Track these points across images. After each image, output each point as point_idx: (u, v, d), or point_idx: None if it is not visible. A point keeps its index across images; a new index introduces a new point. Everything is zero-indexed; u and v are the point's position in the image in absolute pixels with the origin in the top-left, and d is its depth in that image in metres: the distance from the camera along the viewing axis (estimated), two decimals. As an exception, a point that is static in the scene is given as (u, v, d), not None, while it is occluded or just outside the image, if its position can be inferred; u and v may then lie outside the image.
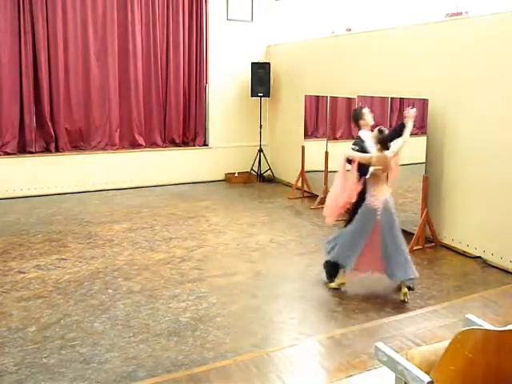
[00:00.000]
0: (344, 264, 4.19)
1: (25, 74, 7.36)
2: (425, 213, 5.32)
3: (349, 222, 4.36)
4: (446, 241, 5.40)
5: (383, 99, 6.00)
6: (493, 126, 4.78)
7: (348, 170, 4.27)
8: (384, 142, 4.07)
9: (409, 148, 4.32)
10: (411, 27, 5.80)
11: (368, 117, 4.42)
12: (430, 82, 5.42)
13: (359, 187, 4.19)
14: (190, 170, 8.57)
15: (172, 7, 8.25)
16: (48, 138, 7.70)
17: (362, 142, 4.34)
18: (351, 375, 2.88)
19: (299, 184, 7.69)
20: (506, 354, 1.73)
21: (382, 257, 4.11)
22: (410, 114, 4.19)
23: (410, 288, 4.20)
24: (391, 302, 4.07)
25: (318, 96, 7.44)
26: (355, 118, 4.53)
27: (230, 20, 8.61)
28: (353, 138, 6.55)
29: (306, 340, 3.37)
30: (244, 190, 8.20)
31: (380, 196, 4.11)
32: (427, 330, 3.39)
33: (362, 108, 4.57)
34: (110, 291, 4.24)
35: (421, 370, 1.80)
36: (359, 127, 4.46)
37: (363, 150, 4.21)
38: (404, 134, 4.14)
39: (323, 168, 7.11)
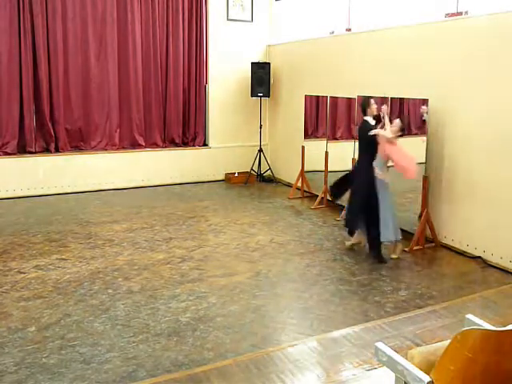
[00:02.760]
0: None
1: (25, 74, 7.36)
2: (425, 213, 5.32)
3: None
4: (446, 241, 5.40)
5: (383, 99, 5.99)
6: (493, 126, 4.78)
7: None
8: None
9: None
10: (411, 27, 5.80)
11: (373, 106, 5.15)
12: (430, 82, 5.42)
13: None
14: (190, 170, 8.57)
15: (172, 7, 8.26)
16: (48, 138, 7.70)
17: (371, 125, 5.04)
18: (351, 375, 2.88)
19: (299, 184, 7.69)
20: (505, 353, 1.73)
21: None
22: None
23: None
24: (391, 302, 4.07)
25: (318, 96, 7.44)
26: (364, 105, 5.19)
27: (229, 20, 8.61)
28: (352, 137, 6.59)
29: (306, 340, 3.37)
30: (244, 190, 8.20)
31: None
32: (427, 329, 3.39)
33: (369, 98, 5.24)
34: (109, 291, 4.24)
35: (421, 370, 1.81)
36: (365, 114, 5.13)
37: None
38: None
39: (323, 168, 7.10)
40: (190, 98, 8.62)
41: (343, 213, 5.76)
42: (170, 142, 8.62)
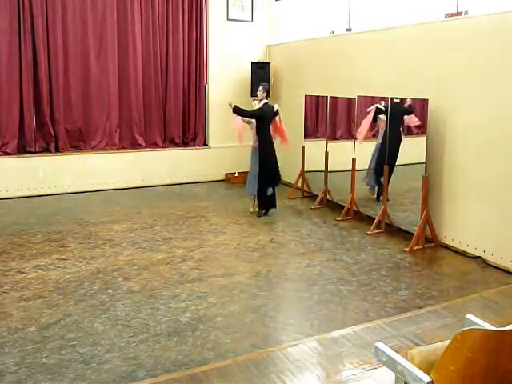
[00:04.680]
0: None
1: (25, 74, 7.36)
2: (425, 213, 5.32)
3: None
4: (446, 241, 5.40)
5: (383, 99, 6.00)
6: (493, 127, 4.78)
7: None
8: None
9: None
10: (411, 27, 5.80)
11: (258, 93, 6.60)
12: (430, 82, 5.42)
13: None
14: (190, 170, 8.57)
15: (172, 7, 8.26)
16: (48, 137, 7.70)
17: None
18: (351, 375, 2.88)
19: (299, 184, 7.69)
20: (505, 353, 1.73)
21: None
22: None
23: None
24: (391, 302, 4.07)
25: (318, 96, 7.44)
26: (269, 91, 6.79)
27: (229, 20, 8.61)
28: (352, 137, 6.61)
29: (306, 340, 3.37)
30: (244, 190, 8.16)
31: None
32: (427, 329, 3.39)
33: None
34: (109, 291, 4.24)
35: (421, 369, 1.81)
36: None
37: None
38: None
39: (323, 168, 7.10)
40: (190, 98, 8.62)
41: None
42: (169, 142, 8.62)
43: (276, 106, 6.58)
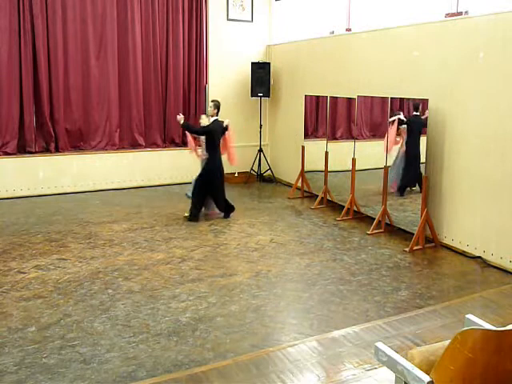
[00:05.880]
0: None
1: (25, 74, 7.36)
2: (425, 213, 5.32)
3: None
4: (446, 241, 5.40)
5: (383, 99, 6.00)
6: (493, 127, 4.78)
7: None
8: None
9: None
10: (411, 27, 5.80)
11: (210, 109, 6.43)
12: (430, 82, 5.42)
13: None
14: (190, 169, 8.54)
15: (172, 7, 8.25)
16: (48, 137, 7.70)
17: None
18: (351, 375, 2.89)
19: (299, 184, 7.69)
20: (505, 353, 1.73)
21: None
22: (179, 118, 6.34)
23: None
24: (391, 302, 4.07)
25: (318, 96, 7.44)
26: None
27: (230, 20, 8.61)
28: (352, 137, 6.60)
29: (306, 340, 3.37)
30: (244, 189, 8.20)
31: None
32: (427, 329, 3.39)
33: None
34: (109, 291, 4.24)
35: (421, 369, 1.81)
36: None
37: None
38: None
39: (323, 168, 7.11)
40: (190, 97, 8.62)
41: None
42: (169, 142, 8.62)
43: (226, 122, 6.42)
